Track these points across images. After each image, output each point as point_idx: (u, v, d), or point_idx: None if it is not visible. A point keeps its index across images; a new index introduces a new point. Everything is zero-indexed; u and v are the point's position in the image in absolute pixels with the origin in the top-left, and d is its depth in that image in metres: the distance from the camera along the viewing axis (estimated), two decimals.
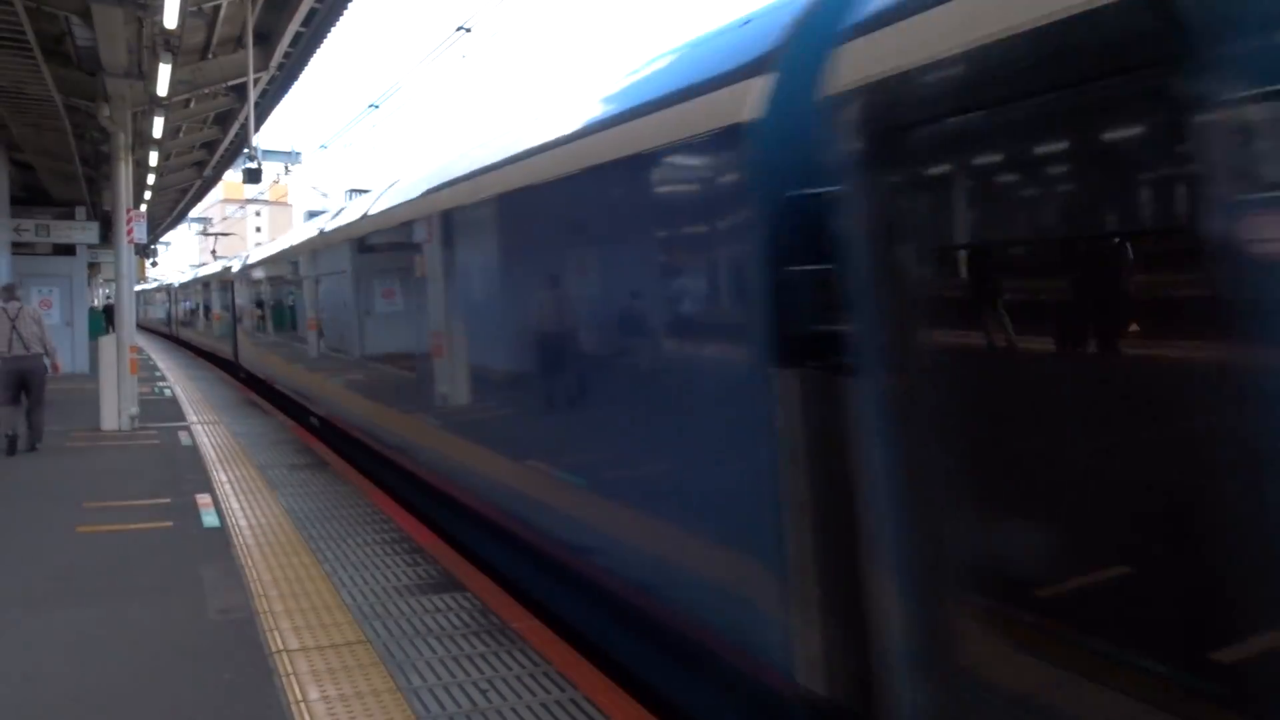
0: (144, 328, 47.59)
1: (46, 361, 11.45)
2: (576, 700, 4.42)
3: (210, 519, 8.16)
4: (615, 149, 4.58)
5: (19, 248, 21.38)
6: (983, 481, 2.61)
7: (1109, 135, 2.24)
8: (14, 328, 10.96)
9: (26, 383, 11.21)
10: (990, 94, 2.43)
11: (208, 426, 14.14)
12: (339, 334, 11.25)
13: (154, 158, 18.39)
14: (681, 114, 4.04)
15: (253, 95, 15.55)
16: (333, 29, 14.71)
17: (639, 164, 4.37)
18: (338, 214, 12.05)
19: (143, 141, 16.53)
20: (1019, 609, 2.51)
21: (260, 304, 18.25)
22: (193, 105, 17.45)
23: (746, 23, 4.10)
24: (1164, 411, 2.16)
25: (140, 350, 15.40)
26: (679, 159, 4.08)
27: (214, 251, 53.53)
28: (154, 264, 42.46)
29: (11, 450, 11.11)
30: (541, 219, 5.54)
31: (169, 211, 37.40)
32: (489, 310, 6.45)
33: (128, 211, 13.82)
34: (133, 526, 7.92)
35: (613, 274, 4.82)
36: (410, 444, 8.42)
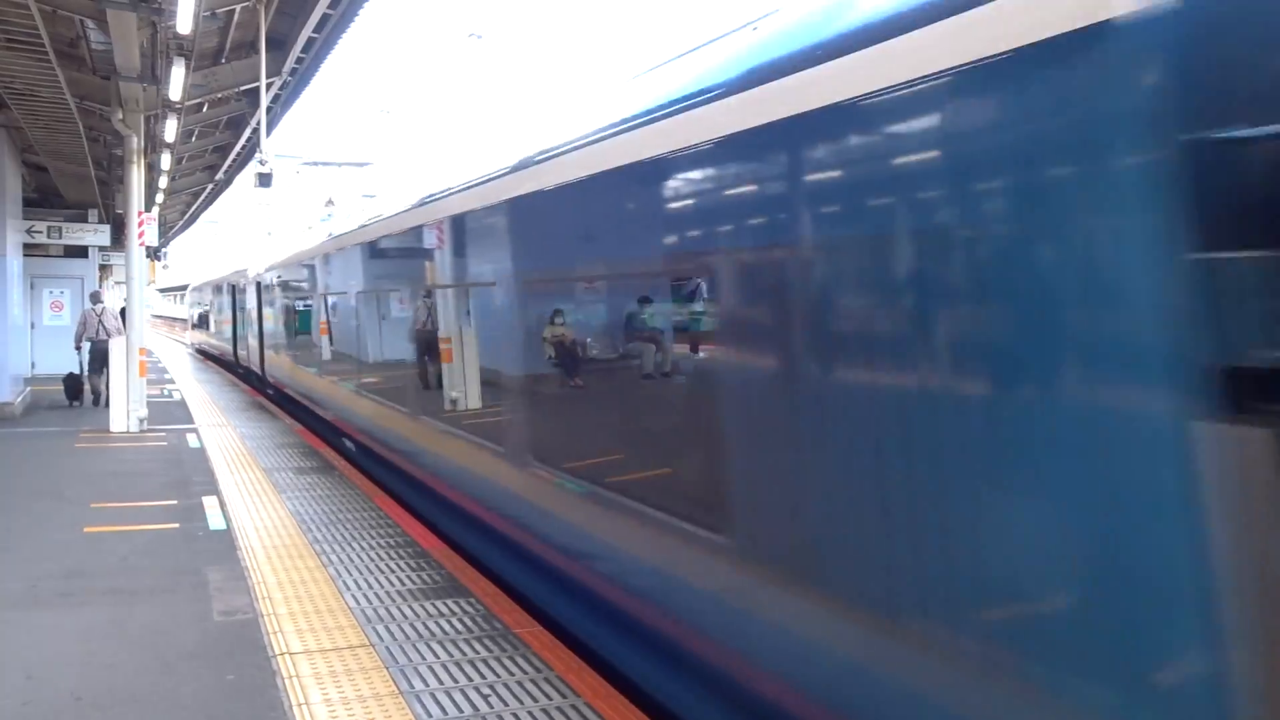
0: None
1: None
2: (577, 706, 4.43)
3: (216, 521, 8.19)
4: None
5: (31, 249, 21.46)
6: None
7: None
8: (100, 321, 16.45)
9: (106, 358, 15.87)
10: None
11: (215, 429, 14.19)
12: None
13: (166, 161, 18.47)
14: (996, 16, 2.45)
15: (265, 100, 15.63)
16: (345, 35, 14.78)
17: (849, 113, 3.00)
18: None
19: (155, 145, 16.61)
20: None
21: None
22: (205, 110, 17.53)
23: None
24: None
25: (149, 353, 15.73)
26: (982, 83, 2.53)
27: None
28: (165, 267, 42.57)
29: (97, 403, 16.27)
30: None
31: (181, 215, 37.55)
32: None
33: (139, 214, 13.91)
34: (139, 528, 7.95)
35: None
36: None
